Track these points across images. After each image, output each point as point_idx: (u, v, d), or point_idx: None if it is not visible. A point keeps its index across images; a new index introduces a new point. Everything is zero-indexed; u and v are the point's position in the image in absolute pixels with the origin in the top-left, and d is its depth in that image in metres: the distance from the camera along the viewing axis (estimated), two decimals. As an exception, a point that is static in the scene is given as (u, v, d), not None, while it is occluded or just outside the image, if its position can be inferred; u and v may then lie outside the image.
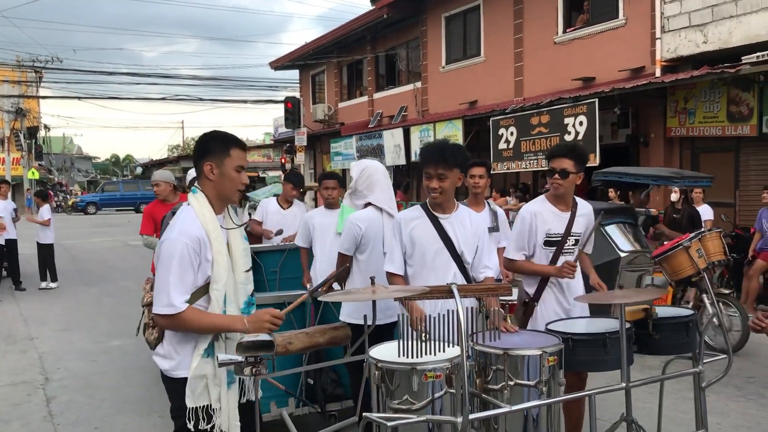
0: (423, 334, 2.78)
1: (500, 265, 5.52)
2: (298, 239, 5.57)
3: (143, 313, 3.12)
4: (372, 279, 2.84)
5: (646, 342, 3.52)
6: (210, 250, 2.74)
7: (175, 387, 2.80)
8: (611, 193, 12.32)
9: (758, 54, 10.00)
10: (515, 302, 4.23)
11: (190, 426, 2.73)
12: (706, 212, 9.77)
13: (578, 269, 4.02)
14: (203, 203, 2.80)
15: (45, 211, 12.60)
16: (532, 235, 3.96)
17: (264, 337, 2.57)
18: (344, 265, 4.25)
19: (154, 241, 6.36)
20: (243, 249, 2.93)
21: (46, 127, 47.03)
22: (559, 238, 3.93)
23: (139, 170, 65.48)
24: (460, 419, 2.61)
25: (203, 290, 2.76)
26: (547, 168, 4.02)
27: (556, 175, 3.88)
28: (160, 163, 53.37)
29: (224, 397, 2.78)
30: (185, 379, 2.75)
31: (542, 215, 3.96)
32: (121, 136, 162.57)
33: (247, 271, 2.92)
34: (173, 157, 54.04)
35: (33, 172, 39.16)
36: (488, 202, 5.53)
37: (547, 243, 3.94)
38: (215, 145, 2.83)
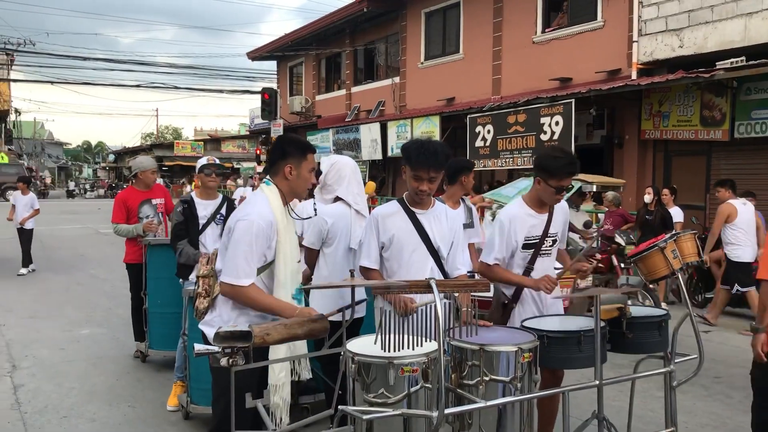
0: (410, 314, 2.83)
1: (472, 260, 5.56)
2: None
3: (195, 283, 3.39)
4: (351, 272, 2.83)
5: (619, 341, 3.56)
6: (276, 235, 3.14)
7: None
8: None
9: (732, 60, 10.18)
10: (489, 299, 4.24)
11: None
12: (676, 214, 9.91)
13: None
14: (276, 194, 3.23)
15: (33, 199, 12.47)
16: (510, 240, 3.91)
17: (241, 327, 2.55)
18: (311, 259, 4.27)
19: (125, 228, 6.29)
20: (295, 241, 3.34)
21: (16, 111, 46.29)
22: (537, 240, 3.93)
23: (111, 158, 64.59)
24: (435, 413, 2.61)
25: (265, 268, 3.15)
26: (555, 181, 3.79)
27: (564, 192, 3.89)
28: (133, 151, 52.77)
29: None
30: None
31: (521, 219, 3.92)
32: (93, 123, 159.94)
33: (299, 261, 3.38)
34: (146, 145, 53.42)
35: (2, 157, 38.52)
36: (463, 199, 5.56)
37: (525, 246, 3.92)
38: (295, 150, 3.28)
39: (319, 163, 3.98)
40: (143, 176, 6.44)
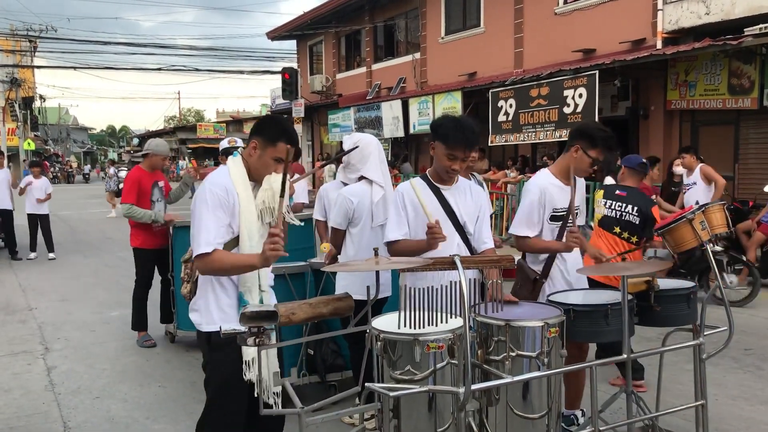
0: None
1: None
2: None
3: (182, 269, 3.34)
4: (375, 250, 2.82)
5: (646, 313, 3.52)
6: (237, 203, 2.98)
7: (204, 340, 3.04)
8: (549, 161, 12.28)
9: (761, 26, 9.92)
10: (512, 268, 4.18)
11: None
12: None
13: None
14: (238, 165, 3.06)
15: (47, 183, 12.55)
16: (541, 210, 3.87)
17: (267, 307, 2.56)
18: (338, 239, 4.27)
19: (142, 213, 6.16)
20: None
21: (41, 97, 46.76)
22: (564, 212, 3.89)
23: (135, 141, 65.14)
24: (462, 390, 2.61)
25: (232, 243, 3.00)
26: (588, 153, 3.78)
27: (596, 166, 3.85)
28: (157, 134, 53.15)
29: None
30: (211, 333, 2.95)
31: (549, 190, 3.88)
32: (117, 107, 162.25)
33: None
34: (169, 128, 53.78)
35: (29, 143, 38.98)
36: (473, 175, 5.48)
37: (553, 218, 3.88)
38: (269, 131, 3.04)
39: (341, 142, 3.97)
40: (154, 159, 6.37)
